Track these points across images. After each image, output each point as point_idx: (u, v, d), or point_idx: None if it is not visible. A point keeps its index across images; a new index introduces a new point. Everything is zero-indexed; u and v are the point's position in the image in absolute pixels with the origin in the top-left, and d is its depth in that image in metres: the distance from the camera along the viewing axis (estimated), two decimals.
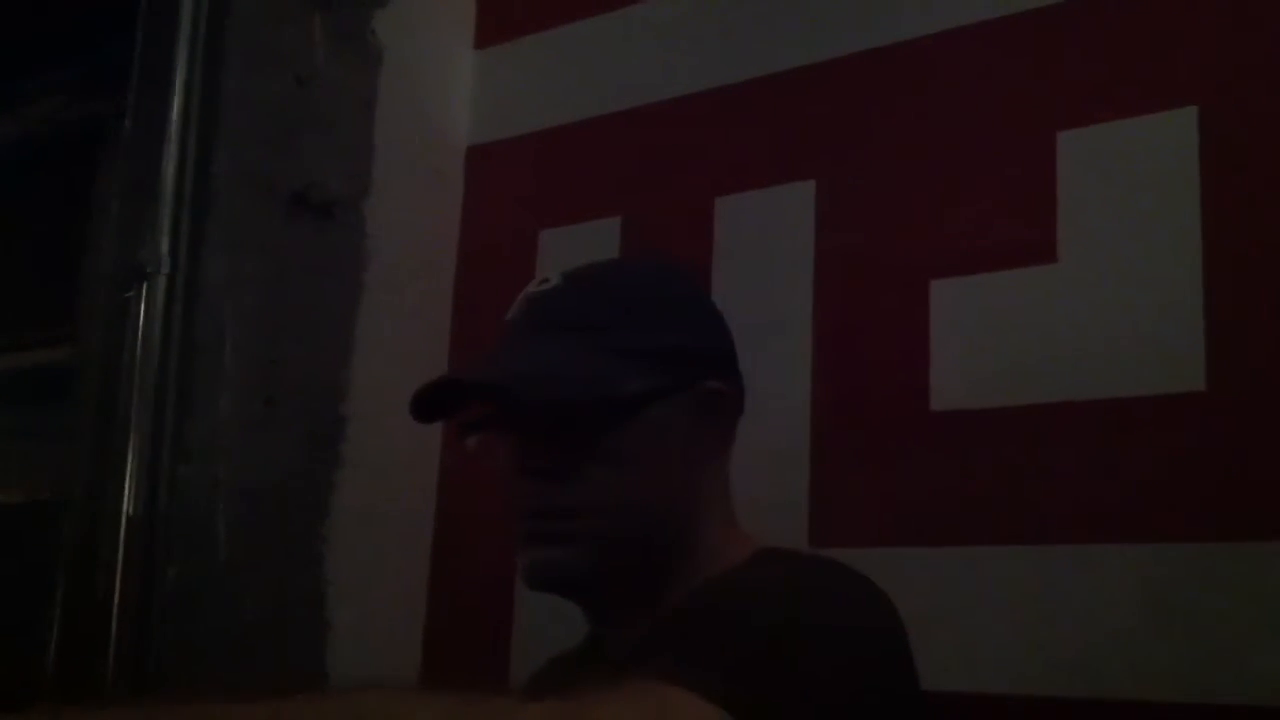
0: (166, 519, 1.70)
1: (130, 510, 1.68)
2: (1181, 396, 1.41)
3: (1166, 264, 1.45)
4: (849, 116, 1.71)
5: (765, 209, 1.75)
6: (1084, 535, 1.43)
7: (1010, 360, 1.52)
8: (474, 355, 1.08)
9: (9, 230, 2.43)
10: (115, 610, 1.66)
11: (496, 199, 2.05)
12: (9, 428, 2.31)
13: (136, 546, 1.68)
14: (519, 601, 1.83)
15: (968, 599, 1.48)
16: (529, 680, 1.19)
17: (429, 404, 1.06)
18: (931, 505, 1.54)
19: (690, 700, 0.81)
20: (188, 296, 1.74)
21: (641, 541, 1.03)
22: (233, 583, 1.74)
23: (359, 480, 1.87)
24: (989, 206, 1.58)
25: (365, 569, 1.88)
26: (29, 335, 2.37)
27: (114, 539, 1.68)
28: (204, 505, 1.73)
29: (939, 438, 1.55)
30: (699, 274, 1.71)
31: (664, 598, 1.02)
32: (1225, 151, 1.44)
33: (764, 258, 1.74)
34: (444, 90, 2.08)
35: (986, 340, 1.54)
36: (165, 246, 1.73)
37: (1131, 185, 1.49)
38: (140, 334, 1.72)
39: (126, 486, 1.69)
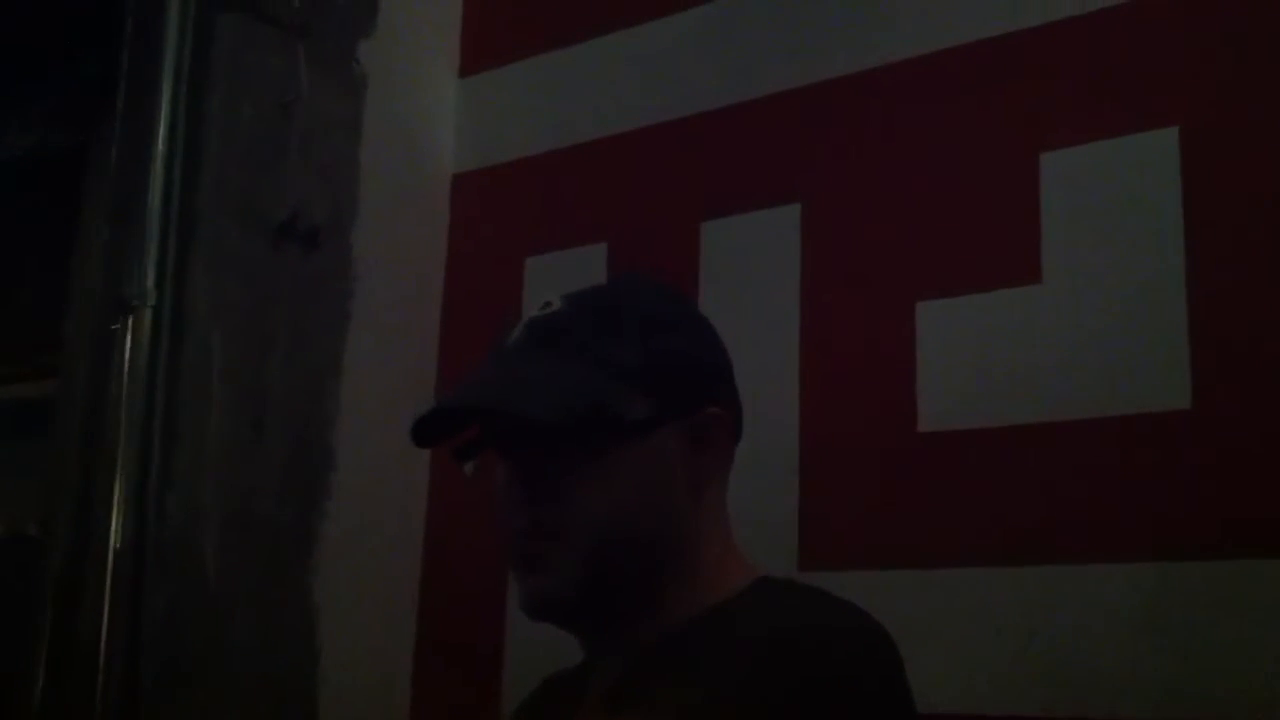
0: (153, 549, 1.69)
1: (116, 541, 1.67)
2: (1167, 414, 1.41)
3: (1150, 283, 1.46)
4: (833, 140, 1.72)
5: (751, 233, 1.75)
6: (1072, 555, 1.44)
7: (996, 381, 1.53)
8: (473, 378, 1.07)
9: None
10: (103, 641, 1.65)
11: (482, 225, 2.05)
12: None
13: (123, 577, 1.67)
14: (510, 625, 1.82)
15: (956, 619, 1.48)
16: (520, 708, 1.18)
17: (428, 428, 1.04)
18: (920, 526, 1.54)
19: None
20: (174, 326, 1.74)
21: (635, 568, 1.02)
22: (220, 612, 1.73)
23: (347, 507, 1.87)
24: (973, 228, 1.58)
25: (354, 595, 1.87)
26: (13, 368, 2.37)
27: (100, 570, 1.67)
28: (190, 534, 1.72)
29: (926, 459, 1.56)
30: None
31: (658, 624, 1.01)
32: (1207, 171, 1.45)
33: (750, 281, 1.74)
34: (429, 118, 2.09)
35: (972, 361, 1.55)
36: (151, 278, 1.72)
37: (1114, 205, 1.50)
38: (126, 366, 1.71)
39: (113, 517, 1.68)
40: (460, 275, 2.05)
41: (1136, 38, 1.52)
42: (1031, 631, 1.44)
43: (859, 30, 1.72)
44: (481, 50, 2.11)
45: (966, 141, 1.62)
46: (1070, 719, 1.40)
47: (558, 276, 1.92)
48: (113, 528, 1.68)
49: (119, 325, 1.73)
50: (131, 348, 1.72)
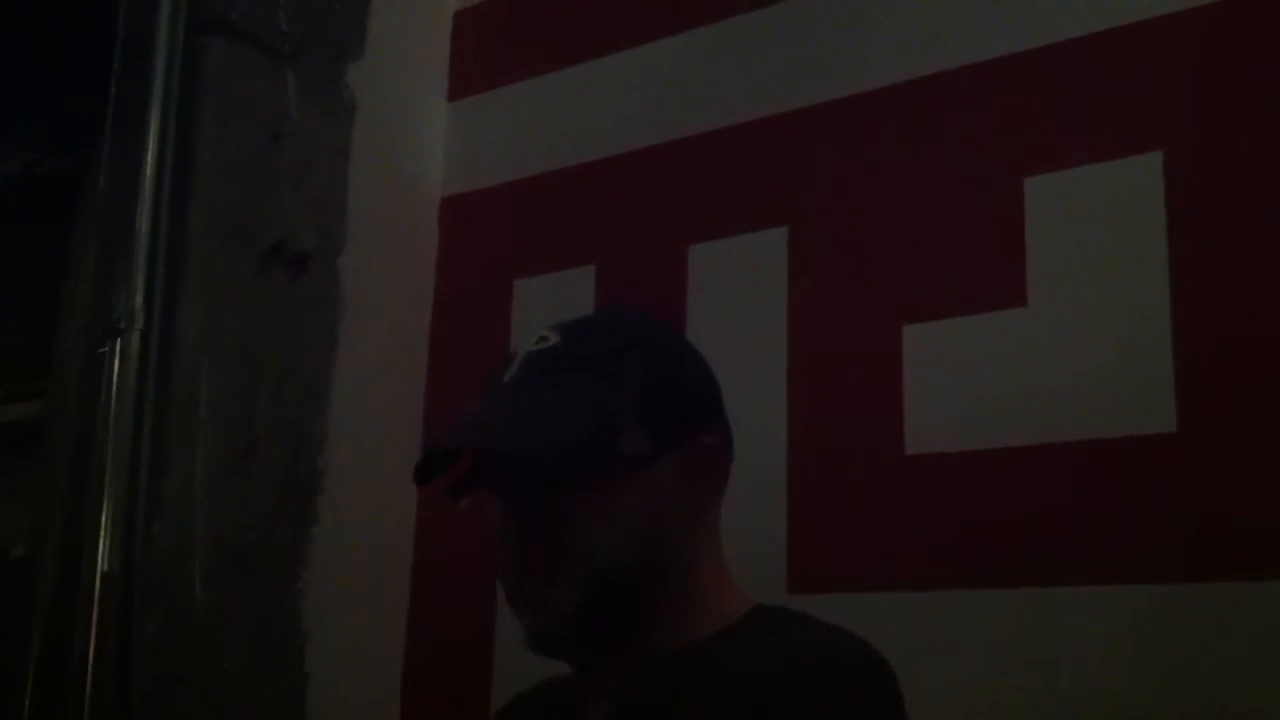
0: (141, 573, 1.68)
1: (105, 566, 1.67)
2: (1152, 438, 1.42)
3: (1135, 306, 1.46)
4: (820, 164, 1.73)
5: (738, 256, 1.76)
6: (1058, 578, 1.44)
7: (983, 404, 1.53)
8: (469, 415, 1.06)
9: None
10: (91, 667, 1.64)
11: (470, 249, 2.06)
12: None
13: (111, 601, 1.66)
14: (498, 652, 1.82)
15: (943, 643, 1.48)
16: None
17: (425, 466, 1.04)
18: (908, 549, 1.55)
19: None
20: (162, 350, 1.74)
21: (634, 600, 1.02)
22: (209, 637, 1.73)
23: (336, 532, 1.87)
24: (959, 252, 1.59)
25: (343, 621, 1.87)
26: (2, 390, 2.36)
27: (89, 595, 1.66)
28: (179, 559, 1.72)
29: (914, 481, 1.56)
30: (674, 322, 1.73)
31: (656, 651, 1.02)
32: (1190, 195, 1.46)
33: (738, 304, 1.75)
34: (417, 142, 2.09)
35: (959, 384, 1.55)
36: (139, 301, 1.72)
37: (1099, 229, 1.51)
38: (115, 389, 1.71)
39: (101, 542, 1.68)
40: (449, 298, 2.05)
41: (1120, 63, 1.54)
42: (1020, 653, 1.44)
43: (845, 55, 1.73)
44: (470, 74, 2.12)
45: (952, 165, 1.63)
46: None
47: (546, 299, 1.93)
48: (101, 551, 1.67)
49: (108, 348, 1.73)
50: (120, 371, 1.72)
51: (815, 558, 1.60)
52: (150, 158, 1.78)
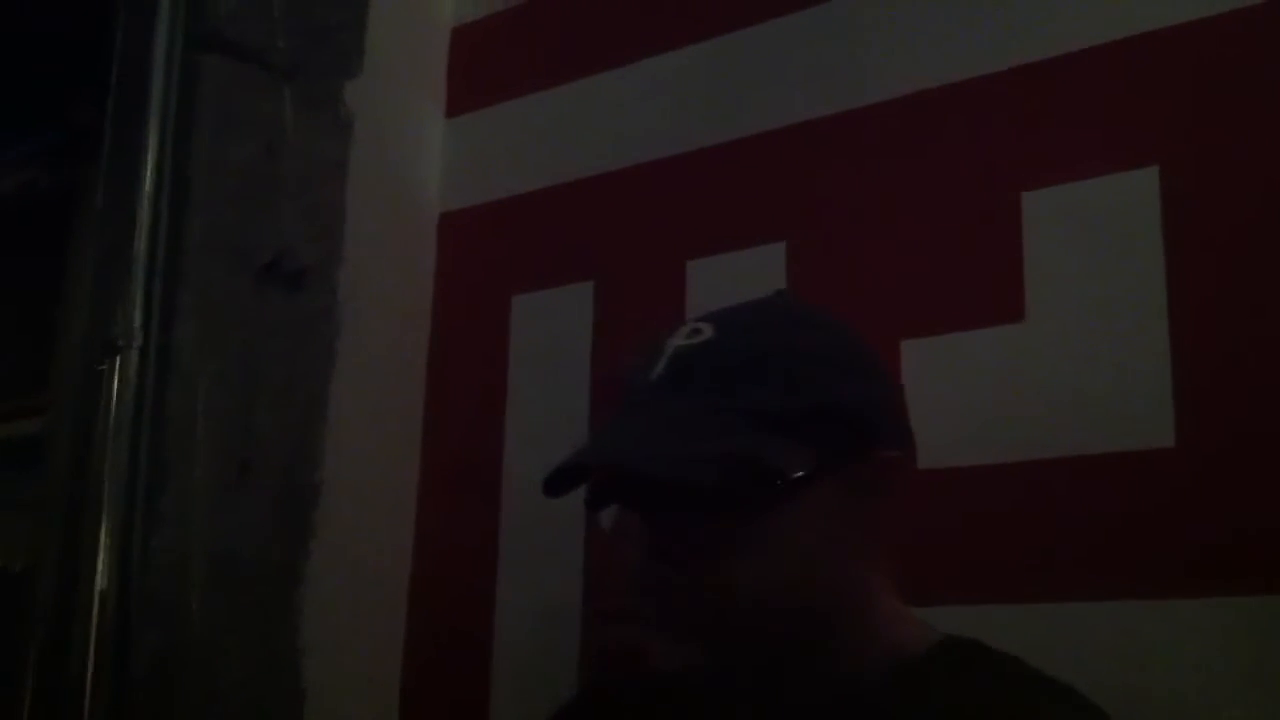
0: (139, 589, 1.68)
1: (103, 583, 1.67)
2: (1150, 453, 1.42)
3: (1132, 321, 1.46)
4: (818, 179, 1.73)
5: (737, 271, 1.76)
6: (1054, 594, 1.44)
7: (981, 419, 1.53)
8: (612, 424, 0.96)
9: None
10: (89, 683, 1.64)
11: (469, 265, 2.06)
12: None
13: (109, 618, 1.66)
14: (496, 665, 1.82)
15: None
16: None
17: (561, 478, 0.94)
18: (906, 564, 1.54)
19: None
20: (160, 366, 1.74)
21: (791, 640, 0.92)
22: (207, 653, 1.73)
23: (333, 547, 1.87)
24: (957, 267, 1.59)
25: (340, 636, 1.86)
26: (1, 406, 2.37)
27: (87, 611, 1.66)
28: (177, 575, 1.71)
29: (912, 498, 1.55)
30: None
31: (821, 692, 0.94)
32: (1187, 210, 1.46)
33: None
34: (415, 157, 2.10)
35: (957, 400, 1.55)
36: (138, 319, 1.73)
37: (1096, 244, 1.50)
38: (113, 406, 1.71)
39: (99, 558, 1.68)
40: (447, 314, 2.05)
41: (1117, 77, 1.53)
42: None
43: (843, 71, 1.73)
44: (468, 90, 2.12)
45: (950, 180, 1.62)
46: None
47: (545, 315, 1.93)
48: (99, 568, 1.67)
49: (106, 366, 1.73)
50: (118, 388, 1.72)
51: None
52: (148, 174, 1.78)
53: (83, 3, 1.95)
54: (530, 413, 1.91)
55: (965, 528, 1.51)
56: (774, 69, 1.79)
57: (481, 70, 2.13)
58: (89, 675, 1.65)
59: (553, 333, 1.92)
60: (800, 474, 0.89)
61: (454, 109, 2.13)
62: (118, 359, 1.72)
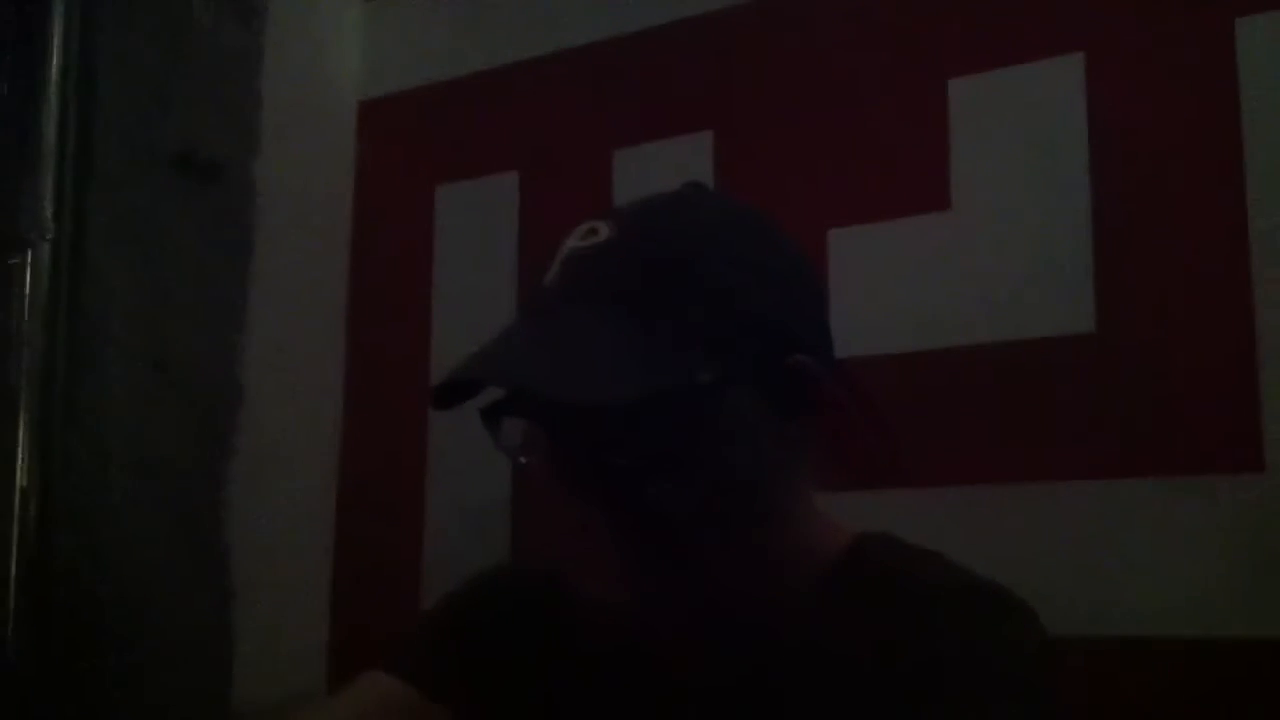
0: (60, 489, 1.66)
1: (23, 481, 1.64)
2: (1072, 338, 1.44)
3: (1056, 209, 1.47)
4: (744, 67, 1.71)
5: (664, 160, 1.74)
6: (978, 477, 1.46)
7: (906, 307, 1.54)
8: (509, 338, 0.87)
9: None
10: (12, 583, 1.62)
11: (390, 154, 2.02)
12: None
13: (30, 518, 1.64)
14: (426, 564, 1.83)
15: None
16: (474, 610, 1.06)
17: (451, 393, 0.88)
18: (828, 451, 1.55)
19: None
20: (73, 263, 1.69)
21: (709, 555, 0.89)
22: (130, 552, 1.71)
23: (257, 447, 1.84)
24: (883, 155, 1.59)
25: (268, 536, 1.85)
26: None
27: (7, 511, 1.64)
28: (97, 474, 1.69)
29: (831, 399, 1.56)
30: None
31: (748, 602, 0.92)
32: (1111, 97, 1.46)
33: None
34: (332, 44, 2.03)
35: (883, 287, 1.56)
36: (49, 211, 1.68)
37: (1021, 131, 1.51)
38: (27, 302, 1.67)
39: (18, 456, 1.65)
40: (368, 205, 2.01)
41: None
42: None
43: None
44: None
45: (875, 68, 1.61)
46: None
47: (469, 206, 1.91)
48: (18, 467, 1.65)
49: (17, 260, 1.69)
50: (31, 283, 1.68)
51: None
52: (54, 66, 1.71)
53: None
54: (457, 306, 1.89)
55: (891, 414, 1.52)
56: None
57: None
58: (11, 575, 1.63)
59: (478, 224, 1.90)
60: (711, 385, 0.84)
61: None
62: (30, 252, 1.68)
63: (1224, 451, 1.35)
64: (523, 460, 0.89)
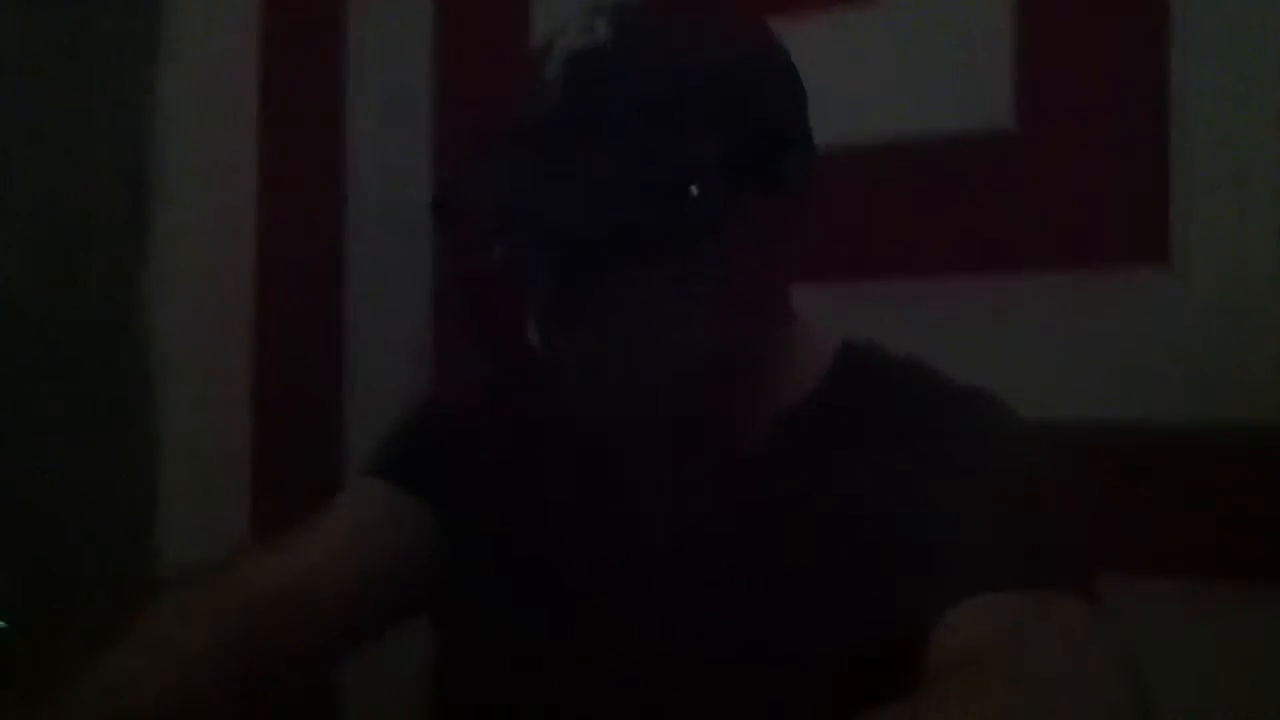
0: None
1: None
2: (991, 134, 1.44)
3: (979, 5, 1.46)
4: None
5: None
6: (895, 271, 1.48)
7: (829, 103, 1.52)
8: (504, 154, 0.82)
9: None
10: None
11: None
12: None
13: None
14: (351, 360, 1.82)
15: None
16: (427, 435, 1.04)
17: (444, 208, 0.86)
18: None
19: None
20: None
21: (706, 382, 0.87)
22: (46, 341, 1.68)
23: (175, 235, 1.81)
24: None
25: (186, 327, 1.83)
26: None
27: None
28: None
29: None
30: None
31: (747, 415, 0.90)
32: None
33: None
34: None
35: (810, 85, 1.54)
36: None
37: None
38: None
39: None
40: (279, 7, 1.94)
41: None
42: None
43: None
44: None
45: None
46: None
47: (381, 6, 1.85)
48: None
49: None
50: None
51: None
52: None
53: None
54: (371, 103, 1.85)
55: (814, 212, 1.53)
56: None
57: None
58: None
59: (395, 21, 1.84)
60: (711, 211, 0.81)
61: None
62: None
63: (1134, 246, 1.37)
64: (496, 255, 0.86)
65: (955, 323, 1.45)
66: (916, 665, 0.71)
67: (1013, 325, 1.43)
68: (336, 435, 1.81)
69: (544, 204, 0.80)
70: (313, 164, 1.88)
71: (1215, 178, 1.34)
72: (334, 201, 1.83)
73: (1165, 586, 1.28)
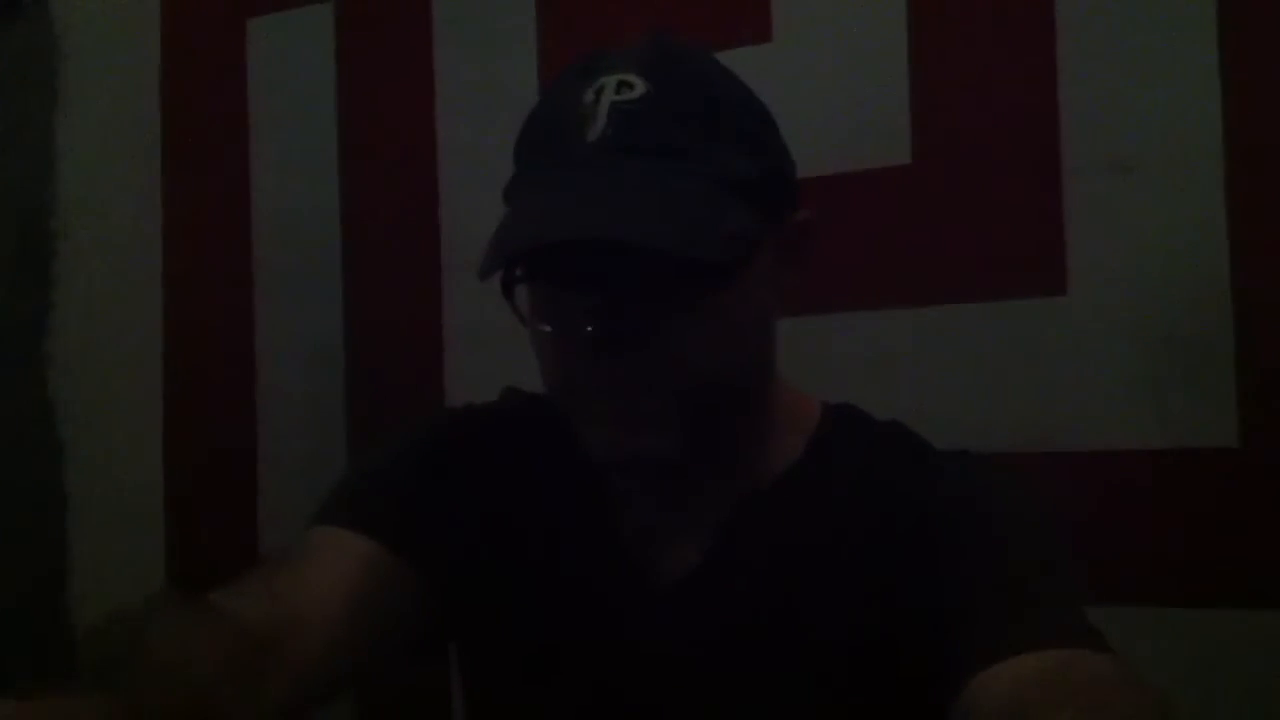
0: None
1: None
2: (888, 170, 1.46)
3: (874, 41, 1.47)
4: None
5: None
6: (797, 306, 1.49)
7: None
8: (566, 192, 0.82)
9: None
10: None
11: None
12: None
13: None
14: (260, 409, 1.81)
15: None
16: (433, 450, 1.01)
17: (506, 256, 0.82)
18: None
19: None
20: None
21: (735, 412, 0.89)
22: None
23: (77, 298, 1.79)
24: None
25: (94, 390, 1.82)
26: None
27: None
28: None
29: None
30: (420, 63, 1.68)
31: (750, 474, 0.93)
32: None
33: (487, 44, 1.69)
34: None
35: None
36: None
37: None
38: None
39: None
40: (178, 41, 1.91)
41: None
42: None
43: None
44: None
45: None
46: None
47: (283, 39, 1.84)
48: None
49: None
50: None
51: None
52: None
53: None
54: (276, 143, 1.83)
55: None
56: None
57: None
58: None
59: (292, 60, 1.83)
60: (744, 237, 0.83)
61: None
62: None
63: (1030, 276, 1.40)
64: (547, 329, 0.85)
65: (853, 354, 1.46)
66: None
67: (917, 356, 1.44)
68: (250, 487, 1.80)
69: (616, 219, 0.79)
70: (217, 209, 1.86)
71: (1108, 205, 1.36)
72: (242, 247, 1.82)
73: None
